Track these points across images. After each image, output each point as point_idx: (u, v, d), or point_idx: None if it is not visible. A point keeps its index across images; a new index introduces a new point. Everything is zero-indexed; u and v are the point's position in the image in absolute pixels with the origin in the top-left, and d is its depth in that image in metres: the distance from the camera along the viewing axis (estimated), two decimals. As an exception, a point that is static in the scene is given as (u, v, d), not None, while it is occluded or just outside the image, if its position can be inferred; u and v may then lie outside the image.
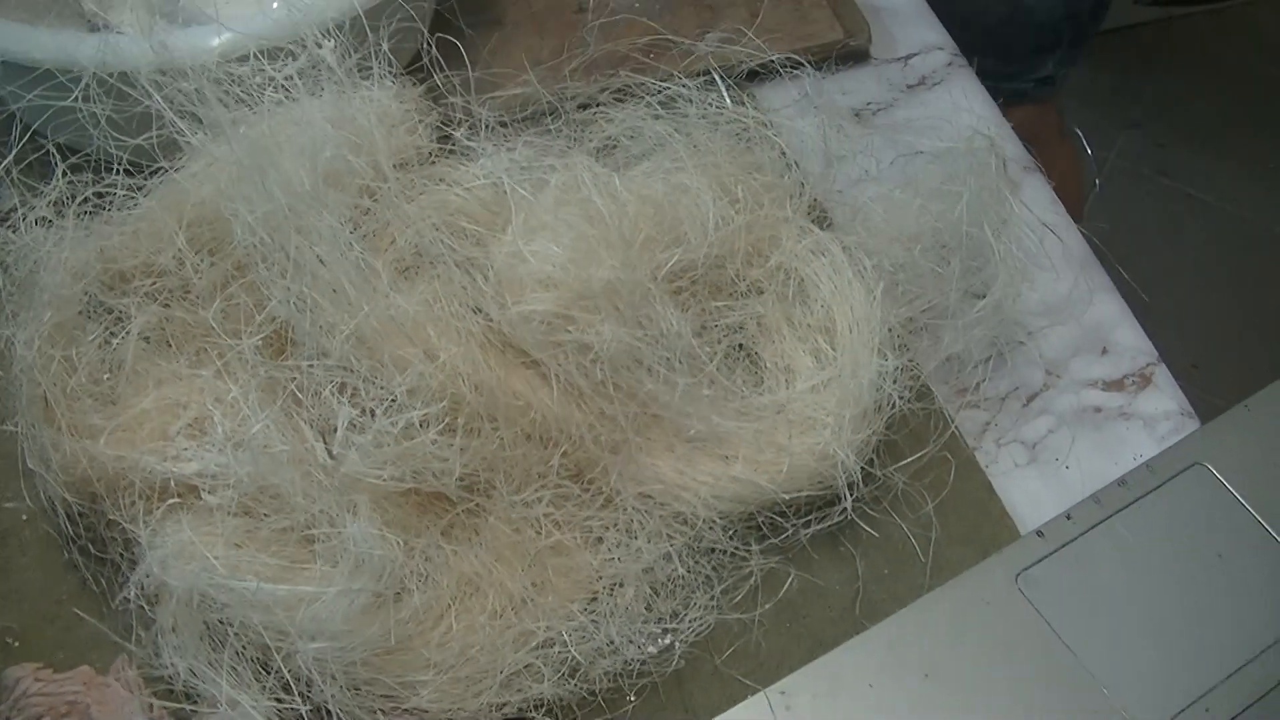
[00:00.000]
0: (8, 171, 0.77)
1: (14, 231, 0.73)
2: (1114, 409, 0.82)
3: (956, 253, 0.79)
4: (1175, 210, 2.40)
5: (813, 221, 0.82)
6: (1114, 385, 0.84)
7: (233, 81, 0.71)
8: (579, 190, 0.72)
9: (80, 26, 0.92)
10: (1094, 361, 0.84)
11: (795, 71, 0.92)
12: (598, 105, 0.85)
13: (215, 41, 0.76)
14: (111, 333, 0.73)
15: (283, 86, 0.72)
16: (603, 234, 0.70)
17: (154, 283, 0.74)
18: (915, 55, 1.00)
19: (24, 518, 0.73)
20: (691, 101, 0.83)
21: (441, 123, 0.83)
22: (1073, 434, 0.81)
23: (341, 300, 0.67)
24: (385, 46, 0.76)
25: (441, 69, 0.82)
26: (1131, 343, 0.86)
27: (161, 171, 0.76)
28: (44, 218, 0.74)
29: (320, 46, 0.72)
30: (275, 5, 0.78)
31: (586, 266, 0.69)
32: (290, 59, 0.72)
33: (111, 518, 0.68)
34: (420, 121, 0.80)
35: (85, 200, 0.75)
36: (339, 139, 0.71)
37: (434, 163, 0.80)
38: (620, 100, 0.86)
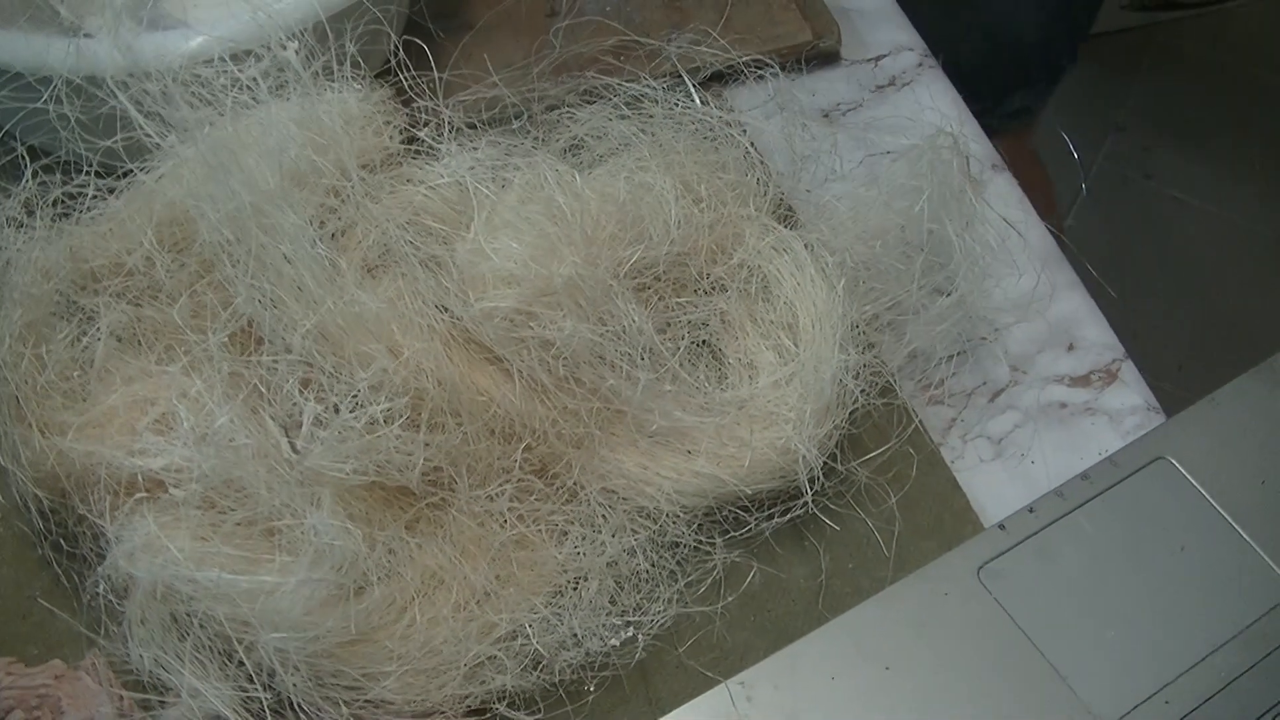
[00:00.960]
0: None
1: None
2: (1079, 404, 0.83)
3: (920, 250, 0.80)
4: (1160, 212, 2.41)
5: (778, 220, 0.83)
6: (1079, 381, 0.84)
7: (199, 84, 0.72)
8: (542, 189, 0.73)
9: (54, 30, 0.93)
10: (1060, 357, 0.85)
11: (764, 73, 0.92)
12: (565, 106, 0.86)
13: (183, 45, 0.77)
14: (82, 331, 0.74)
15: (248, 89, 0.72)
16: (565, 231, 0.71)
17: (123, 282, 0.75)
18: (885, 56, 1.01)
19: (-5, 515, 0.74)
20: (658, 102, 0.84)
21: (409, 124, 0.84)
22: (1037, 429, 0.82)
23: (306, 297, 0.67)
24: (352, 50, 0.77)
25: (410, 71, 0.82)
26: (1098, 339, 0.86)
27: (131, 173, 0.76)
28: (14, 218, 0.75)
29: (285, 49, 0.73)
30: (242, 8, 0.78)
31: (548, 263, 0.70)
32: (255, 60, 0.73)
33: (81, 513, 0.69)
34: (387, 123, 0.81)
35: (56, 201, 0.76)
36: (304, 139, 0.71)
37: (400, 164, 0.80)
38: (588, 102, 0.86)
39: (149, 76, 0.71)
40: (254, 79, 0.73)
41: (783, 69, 0.93)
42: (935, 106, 0.97)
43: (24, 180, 0.75)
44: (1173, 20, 2.76)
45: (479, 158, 0.77)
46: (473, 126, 0.84)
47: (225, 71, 0.73)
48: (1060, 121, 2.52)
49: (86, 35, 0.89)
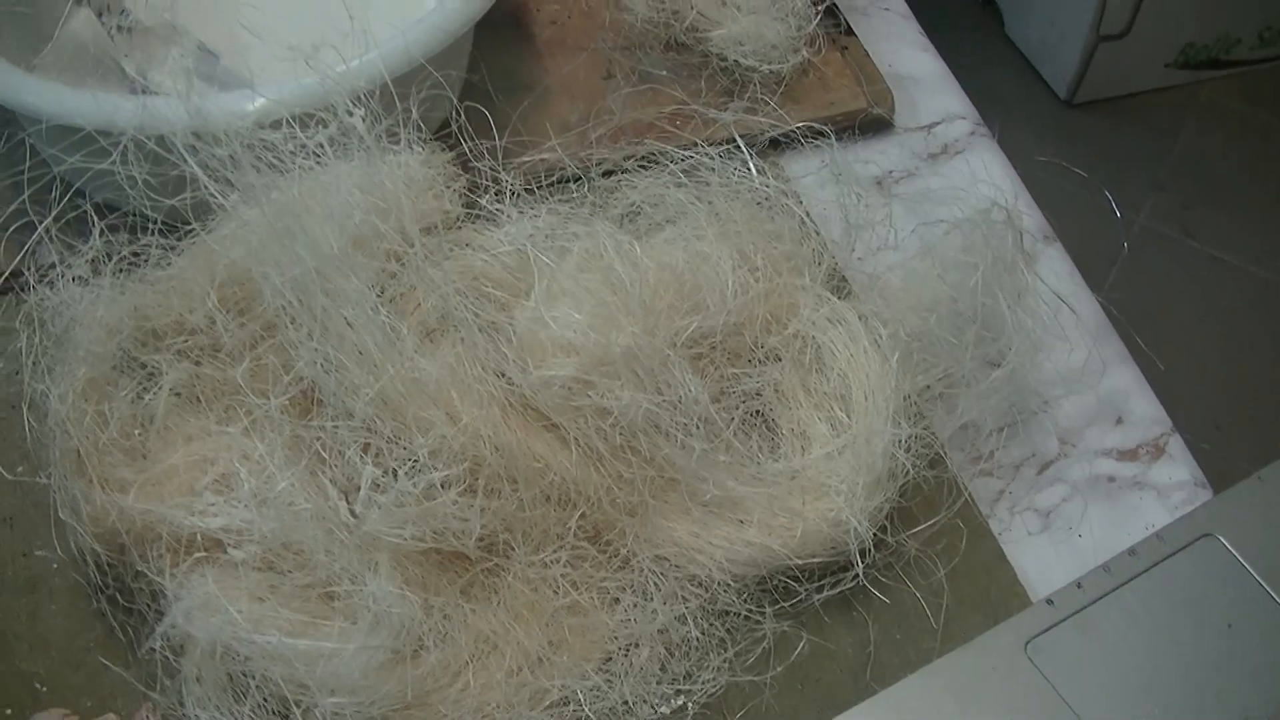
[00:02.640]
0: (47, 230, 0.79)
1: (51, 289, 0.75)
2: (1127, 478, 0.84)
3: (972, 322, 0.81)
4: (1201, 272, 2.41)
5: (831, 289, 0.84)
6: (1128, 455, 0.85)
7: (265, 147, 0.73)
8: (601, 257, 0.74)
9: (122, 88, 0.94)
10: (1108, 431, 0.86)
11: (818, 140, 0.93)
12: (622, 172, 0.87)
13: (249, 107, 0.78)
14: (143, 388, 0.75)
15: (314, 153, 0.74)
16: (623, 301, 0.71)
17: (185, 340, 0.76)
18: (938, 124, 1.02)
19: (54, 566, 0.75)
20: (714, 170, 0.85)
21: (469, 188, 0.85)
22: (1086, 503, 0.82)
23: (367, 362, 0.68)
24: (415, 114, 0.78)
25: (470, 135, 0.83)
26: (1146, 412, 0.87)
27: (195, 232, 0.78)
28: (81, 276, 0.76)
29: (350, 114, 0.74)
30: (307, 72, 0.79)
31: (607, 333, 0.70)
32: (321, 126, 0.74)
33: (139, 569, 0.70)
34: (447, 187, 0.82)
35: (121, 259, 0.78)
36: (367, 204, 0.72)
37: (460, 228, 0.81)
38: (644, 167, 0.87)
39: (214, 138, 0.73)
40: (320, 144, 0.74)
41: (837, 136, 0.94)
42: (988, 176, 0.98)
43: (91, 239, 0.76)
44: (1215, 79, 2.77)
45: (539, 225, 0.78)
46: (531, 190, 0.85)
47: (293, 136, 0.74)
48: (1101, 178, 2.53)
49: (152, 93, 0.90)
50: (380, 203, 0.74)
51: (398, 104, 0.78)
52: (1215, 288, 2.38)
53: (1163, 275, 2.40)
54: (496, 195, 0.83)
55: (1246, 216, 2.49)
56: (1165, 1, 2.61)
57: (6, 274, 0.86)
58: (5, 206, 0.89)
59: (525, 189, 0.85)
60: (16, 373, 0.79)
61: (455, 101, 0.87)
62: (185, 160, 0.72)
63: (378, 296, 0.71)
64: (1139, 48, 2.68)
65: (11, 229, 0.87)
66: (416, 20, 0.85)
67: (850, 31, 1.04)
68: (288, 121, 0.74)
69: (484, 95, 0.93)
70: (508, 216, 0.81)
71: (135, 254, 0.78)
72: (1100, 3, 2.56)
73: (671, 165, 0.85)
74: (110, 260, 0.77)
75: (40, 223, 0.82)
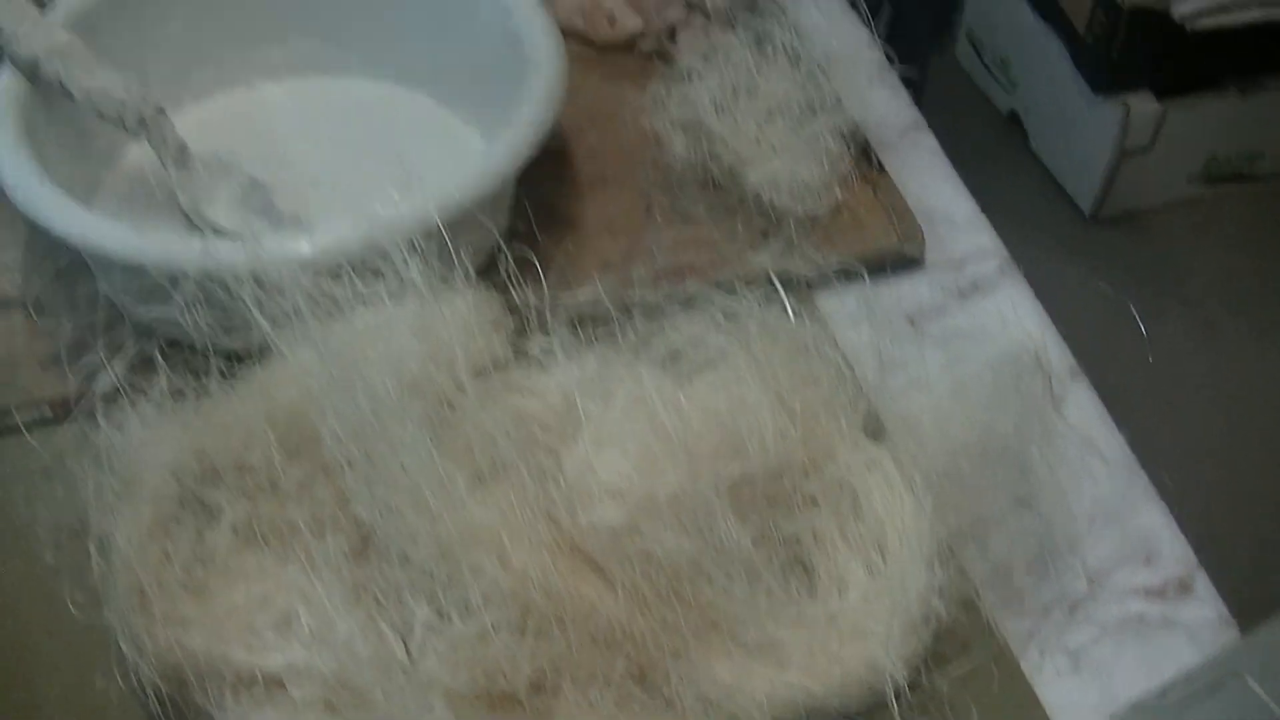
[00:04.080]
0: (106, 359, 0.82)
1: (113, 424, 0.78)
2: (1156, 617, 0.85)
3: (1002, 464, 0.83)
4: (1226, 388, 2.43)
5: (866, 430, 0.86)
6: (1156, 593, 0.87)
7: (320, 291, 0.76)
8: (645, 403, 0.76)
9: (177, 220, 0.98)
10: (1137, 569, 0.88)
11: (851, 277, 0.96)
12: (663, 313, 0.90)
13: (305, 252, 0.82)
14: (204, 526, 0.78)
15: (366, 296, 0.77)
16: (668, 447, 0.74)
17: (244, 478, 0.78)
18: (967, 261, 1.04)
19: (114, 699, 0.77)
20: (753, 317, 0.87)
21: (514, 328, 0.87)
22: (1115, 643, 0.84)
23: (422, 508, 0.71)
24: (464, 258, 0.81)
25: (516, 279, 0.86)
26: (1173, 551, 0.89)
27: (254, 371, 0.81)
28: (143, 412, 0.79)
29: (407, 264, 0.77)
30: (360, 216, 0.83)
31: (652, 479, 0.73)
32: (378, 276, 0.77)
33: (200, 704, 0.72)
34: (495, 329, 0.85)
35: (183, 396, 0.80)
36: (422, 352, 0.75)
37: (508, 370, 0.84)
38: (684, 307, 0.90)
39: (268, 279, 0.76)
40: (373, 289, 0.77)
41: (869, 272, 0.97)
42: (1016, 315, 1.00)
43: (156, 378, 0.79)
44: (1239, 193, 2.80)
45: (586, 372, 0.81)
46: (574, 329, 0.88)
47: (342, 279, 0.77)
48: (1128, 293, 2.55)
49: (207, 226, 0.94)
50: (434, 348, 0.77)
51: (448, 247, 0.81)
52: (1241, 405, 2.39)
53: (1189, 390, 2.42)
54: (542, 332, 0.86)
55: (1274, 332, 2.51)
56: (1188, 117, 2.64)
57: (65, 401, 0.89)
58: (65, 335, 0.92)
59: (571, 325, 0.87)
60: (76, 501, 0.81)
61: (500, 240, 0.90)
62: (245, 304, 0.75)
63: (430, 441, 0.73)
64: (1162, 163, 2.72)
65: (70, 356, 0.90)
66: (466, 165, 0.89)
67: (882, 168, 1.07)
68: (343, 267, 0.77)
69: (527, 231, 0.96)
70: (554, 359, 0.83)
71: (196, 389, 0.81)
72: (1123, 118, 2.60)
73: (710, 307, 0.88)
74: (172, 397, 0.80)
75: (97, 347, 0.85)
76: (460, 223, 0.84)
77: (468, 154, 1.05)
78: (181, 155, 0.98)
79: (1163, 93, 2.64)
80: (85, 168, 1.01)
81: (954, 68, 3.07)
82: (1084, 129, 2.73)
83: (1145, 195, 2.77)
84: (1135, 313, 2.38)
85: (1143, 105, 2.63)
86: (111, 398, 0.81)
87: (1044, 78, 2.82)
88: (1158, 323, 2.56)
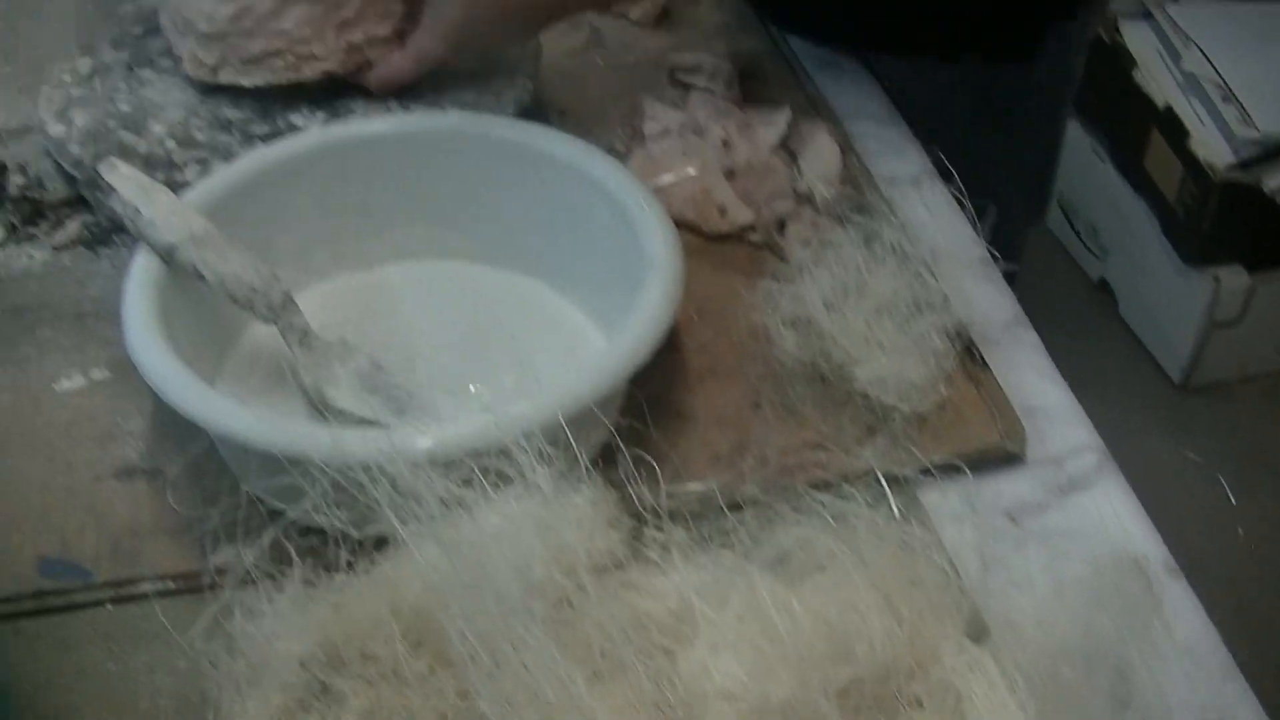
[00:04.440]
0: (239, 550, 0.86)
1: (248, 617, 0.81)
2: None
3: (1102, 665, 0.85)
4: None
5: (969, 630, 0.88)
6: (1251, 796, 0.88)
7: (444, 486, 0.80)
8: (758, 607, 0.79)
9: (298, 400, 1.02)
10: (1232, 771, 0.89)
11: (953, 473, 0.98)
12: (773, 511, 0.92)
13: (430, 445, 0.85)
14: (330, 712, 0.80)
15: (491, 494, 0.80)
16: (780, 651, 0.76)
17: (369, 667, 0.81)
18: (1067, 457, 1.06)
19: None
20: (860, 518, 0.89)
21: (629, 521, 0.90)
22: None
23: (542, 704, 0.73)
24: (583, 457, 0.84)
25: (632, 475, 0.89)
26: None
27: (380, 562, 0.83)
28: (273, 598, 0.82)
29: (528, 459, 0.80)
30: (483, 412, 0.86)
31: (765, 683, 0.75)
32: (500, 471, 0.80)
33: None
34: (612, 526, 0.87)
35: (312, 584, 0.83)
36: (545, 553, 0.78)
37: (625, 568, 0.87)
38: (793, 506, 0.92)
39: (391, 472, 0.79)
40: (495, 484, 0.80)
41: (970, 468, 0.99)
42: (1115, 513, 1.02)
43: (286, 567, 0.83)
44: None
45: (701, 576, 0.83)
46: (686, 524, 0.90)
47: (465, 473, 0.80)
48: (1216, 463, 2.56)
49: (330, 412, 0.97)
50: (556, 548, 0.80)
51: (568, 443, 0.84)
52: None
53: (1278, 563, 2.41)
54: (657, 528, 0.88)
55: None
56: (1277, 290, 2.65)
57: (191, 575, 0.92)
58: (191, 507, 0.95)
59: (682, 523, 0.89)
60: (198, 675, 0.84)
61: (614, 431, 0.93)
62: (369, 496, 0.79)
63: (551, 640, 0.76)
64: (1252, 333, 2.73)
65: (196, 530, 0.94)
66: (584, 360, 0.92)
67: (985, 364, 1.09)
68: (466, 463, 0.80)
69: (638, 422, 0.98)
70: (670, 558, 0.85)
71: (324, 575, 0.84)
72: (1214, 291, 2.62)
73: (819, 507, 0.90)
74: (302, 584, 0.83)
75: (222, 523, 0.89)
76: (579, 419, 0.87)
77: (583, 344, 1.08)
78: (306, 339, 1.02)
79: (1253, 266, 2.66)
80: (211, 342, 1.05)
81: (1044, 233, 3.10)
82: (1174, 299, 2.75)
83: (1234, 366, 2.78)
84: (1224, 483, 2.39)
85: (1233, 278, 2.64)
86: (240, 577, 0.84)
87: (1134, 247, 2.84)
88: (1246, 493, 2.55)
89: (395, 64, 1.25)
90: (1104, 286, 2.96)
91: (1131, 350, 2.88)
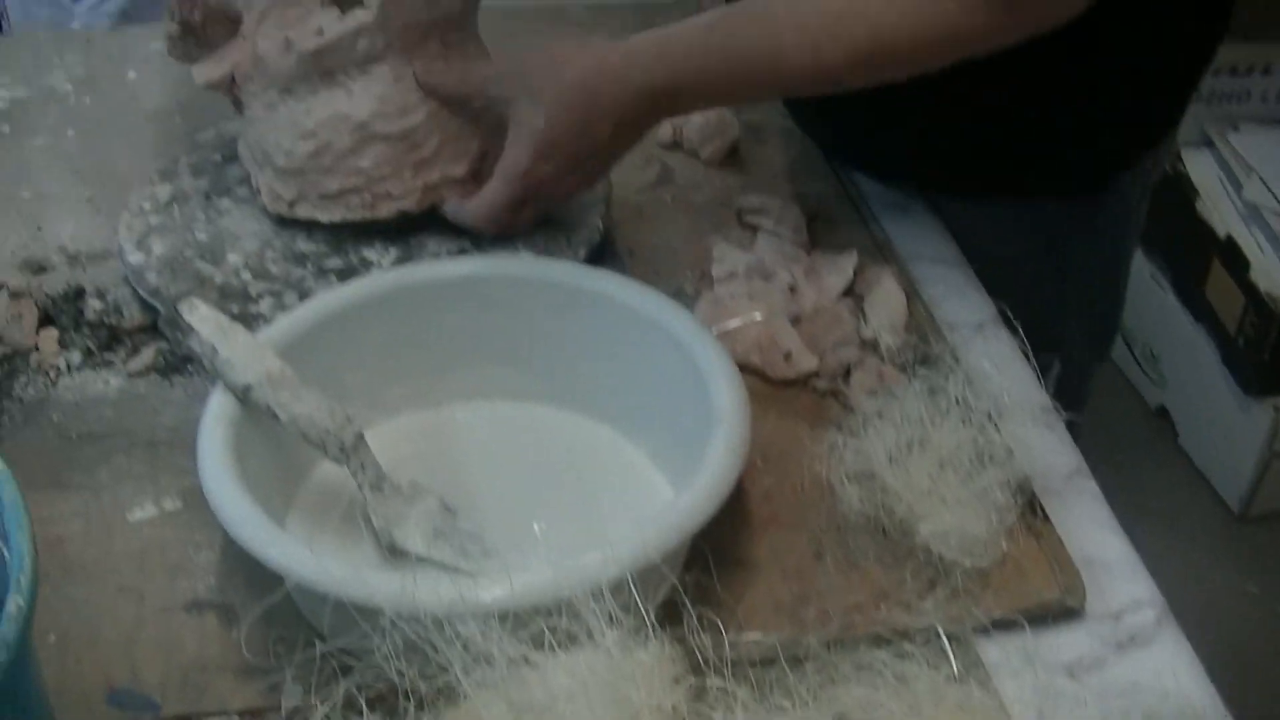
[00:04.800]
0: (304, 687, 0.87)
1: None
2: None
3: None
4: None
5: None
6: None
7: (511, 638, 0.81)
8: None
9: (368, 539, 1.03)
10: None
11: (1012, 626, 0.99)
12: (834, 667, 0.93)
13: (498, 596, 0.86)
14: None
15: (557, 649, 0.81)
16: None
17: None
18: (1126, 612, 1.06)
19: None
20: (920, 679, 0.90)
21: (692, 670, 0.90)
22: None
23: None
24: (648, 613, 0.85)
25: (694, 624, 0.90)
26: None
27: (446, 715, 0.84)
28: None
29: (595, 613, 0.81)
30: (551, 564, 0.87)
31: None
32: (566, 624, 0.81)
33: None
34: (677, 683, 0.88)
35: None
36: (612, 713, 0.79)
37: (685, 721, 0.87)
38: (853, 660, 0.93)
39: (459, 624, 0.80)
40: (561, 637, 0.81)
41: (1029, 621, 1.00)
42: (1174, 669, 1.02)
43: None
44: None
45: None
46: (748, 675, 0.91)
47: (532, 626, 0.81)
48: (1274, 594, 2.54)
49: (399, 554, 0.99)
50: (622, 708, 0.81)
51: (634, 597, 0.85)
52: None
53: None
54: (719, 677, 0.89)
55: None
56: (1340, 420, 2.65)
57: (257, 712, 0.93)
58: (258, 645, 0.97)
59: (744, 674, 0.90)
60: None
61: (679, 585, 0.94)
62: (437, 647, 0.80)
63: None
64: (1313, 463, 2.72)
65: (264, 668, 0.95)
66: (651, 512, 0.93)
67: (1046, 517, 1.10)
68: (531, 614, 0.82)
69: (701, 571, 0.99)
70: (733, 716, 0.86)
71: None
72: (1274, 421, 2.61)
73: (880, 666, 0.91)
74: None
75: (291, 664, 0.90)
76: (645, 572, 0.88)
77: (649, 491, 1.10)
78: (377, 480, 1.03)
79: (1314, 397, 2.66)
80: (283, 478, 1.07)
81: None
82: (1233, 429, 2.74)
83: (1294, 496, 2.77)
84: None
85: (1293, 409, 2.64)
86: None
87: (1194, 375, 2.84)
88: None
89: (470, 211, 1.28)
90: (1163, 414, 2.96)
91: (1190, 478, 2.87)
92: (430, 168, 1.28)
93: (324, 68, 1.25)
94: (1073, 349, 1.55)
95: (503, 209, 1.26)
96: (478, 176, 1.29)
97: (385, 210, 1.29)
